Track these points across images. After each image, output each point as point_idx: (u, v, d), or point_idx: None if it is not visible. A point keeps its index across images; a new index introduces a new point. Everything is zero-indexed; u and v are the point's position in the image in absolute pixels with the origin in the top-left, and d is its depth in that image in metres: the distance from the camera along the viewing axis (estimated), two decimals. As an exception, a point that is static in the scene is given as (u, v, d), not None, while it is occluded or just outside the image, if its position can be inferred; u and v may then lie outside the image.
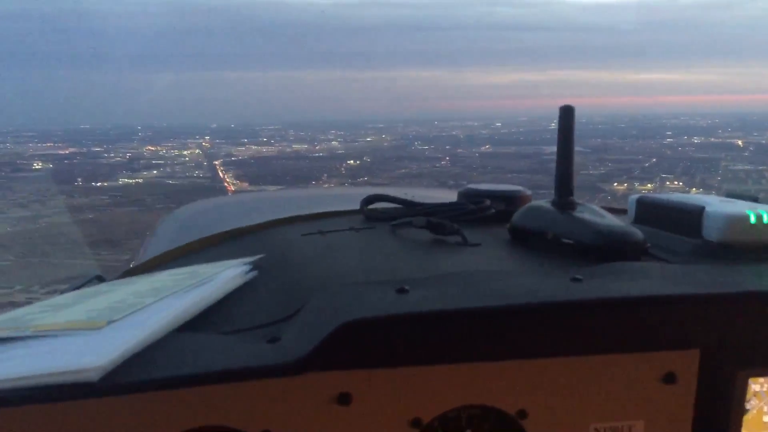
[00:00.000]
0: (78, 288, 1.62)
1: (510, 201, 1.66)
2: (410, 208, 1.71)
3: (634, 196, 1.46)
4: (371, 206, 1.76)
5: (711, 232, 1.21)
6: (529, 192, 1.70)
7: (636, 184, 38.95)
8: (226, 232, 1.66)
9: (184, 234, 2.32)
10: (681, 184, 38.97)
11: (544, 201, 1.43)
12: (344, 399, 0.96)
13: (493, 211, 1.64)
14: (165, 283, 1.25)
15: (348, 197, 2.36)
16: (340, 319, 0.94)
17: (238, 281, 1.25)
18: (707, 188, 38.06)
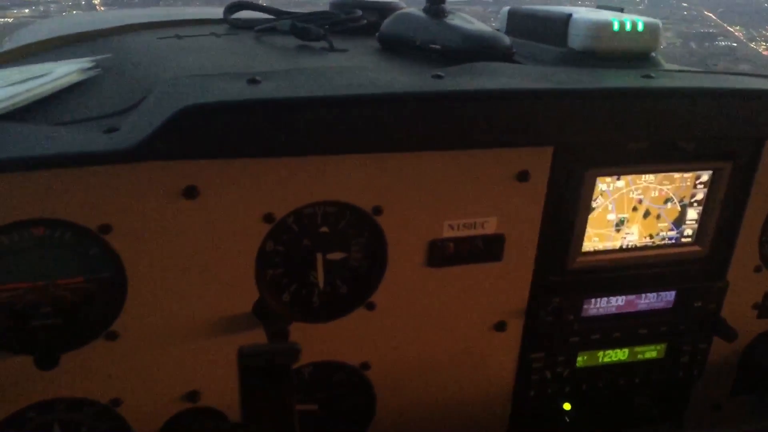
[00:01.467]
0: None
1: (383, 12, 1.58)
2: (278, 16, 1.61)
3: (506, 8, 1.42)
4: (237, 15, 1.65)
5: (575, 39, 1.19)
6: (403, 4, 1.63)
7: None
8: (75, 34, 1.51)
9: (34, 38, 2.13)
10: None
11: (414, 8, 1.37)
12: (190, 192, 0.90)
13: (365, 21, 1.56)
14: None
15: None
16: (183, 104, 0.86)
17: (76, 77, 1.14)
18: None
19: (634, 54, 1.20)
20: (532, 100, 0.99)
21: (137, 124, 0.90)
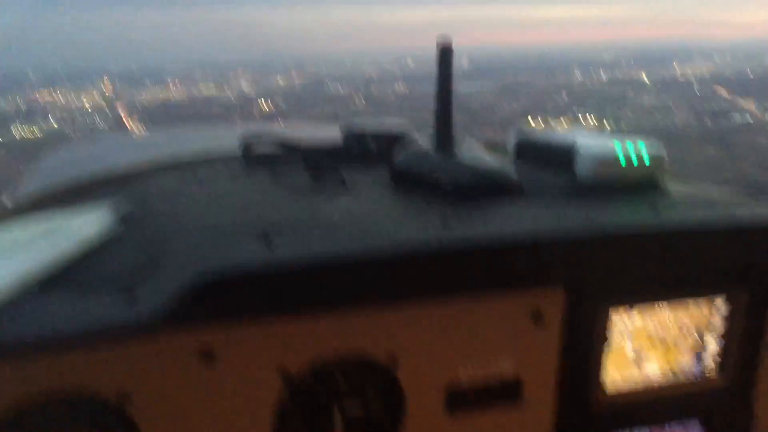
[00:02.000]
0: None
1: (393, 140, 1.62)
2: (293, 149, 1.66)
3: (515, 132, 1.45)
4: (251, 147, 1.69)
5: (583, 171, 1.21)
6: (412, 131, 1.67)
7: (550, 120, 40.06)
8: (93, 177, 1.55)
9: (55, 177, 2.19)
10: (593, 117, 40.36)
11: (424, 142, 1.40)
12: (207, 356, 0.90)
13: (376, 151, 1.60)
14: (17, 237, 1.16)
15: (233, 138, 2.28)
16: (198, 271, 0.87)
17: (97, 232, 1.17)
18: (617, 122, 39.59)
19: (642, 184, 1.22)
20: (542, 243, 0.99)
21: (154, 292, 0.92)
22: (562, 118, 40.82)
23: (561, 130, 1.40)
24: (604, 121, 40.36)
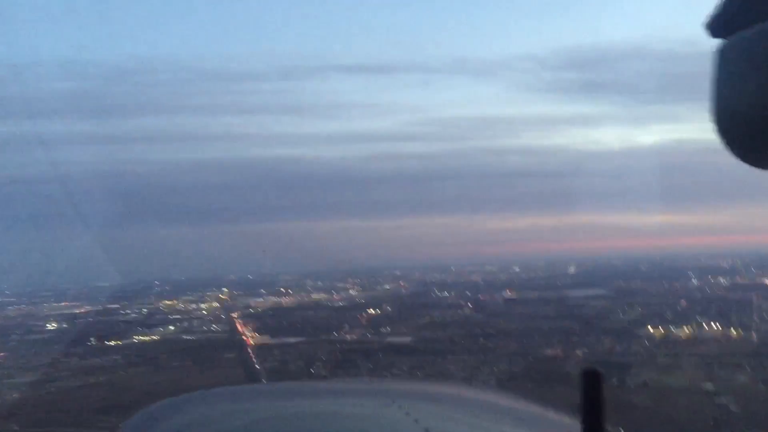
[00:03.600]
0: None
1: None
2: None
3: None
4: None
5: None
6: None
7: (672, 329, 38.29)
8: None
9: None
10: (719, 326, 38.22)
11: None
12: None
13: None
14: None
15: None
16: None
17: None
18: (745, 329, 37.29)
19: None
20: None
21: None
22: (684, 326, 38.99)
23: None
24: (732, 329, 38.08)
